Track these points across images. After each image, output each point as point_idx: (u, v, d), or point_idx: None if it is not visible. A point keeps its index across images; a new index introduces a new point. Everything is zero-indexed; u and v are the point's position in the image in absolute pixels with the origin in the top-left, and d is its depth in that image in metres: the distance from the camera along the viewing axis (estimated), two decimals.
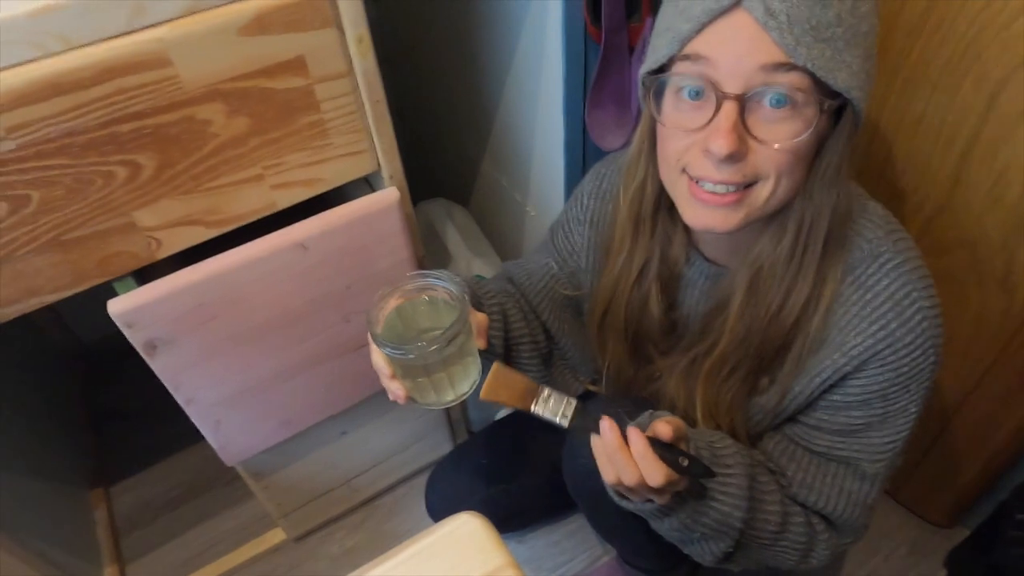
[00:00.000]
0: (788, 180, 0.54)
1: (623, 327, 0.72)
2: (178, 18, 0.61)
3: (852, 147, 0.55)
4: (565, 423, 0.57)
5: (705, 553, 0.65)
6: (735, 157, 0.51)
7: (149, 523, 1.25)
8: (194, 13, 0.61)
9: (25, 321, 0.69)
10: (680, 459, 0.55)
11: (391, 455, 1.19)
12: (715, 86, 0.50)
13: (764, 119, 0.51)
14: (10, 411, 1.11)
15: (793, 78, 0.49)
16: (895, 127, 0.84)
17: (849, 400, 0.62)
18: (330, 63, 0.69)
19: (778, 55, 0.48)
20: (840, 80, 0.49)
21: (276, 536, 1.20)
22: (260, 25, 0.64)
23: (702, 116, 0.52)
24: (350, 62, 0.70)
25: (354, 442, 1.11)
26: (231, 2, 0.62)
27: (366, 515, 1.23)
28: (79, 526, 1.17)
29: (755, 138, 0.51)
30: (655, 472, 0.54)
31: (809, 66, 0.48)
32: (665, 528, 0.63)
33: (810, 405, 0.65)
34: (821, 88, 0.50)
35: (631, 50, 0.84)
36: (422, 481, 1.05)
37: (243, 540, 1.21)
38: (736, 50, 0.49)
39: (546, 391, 0.57)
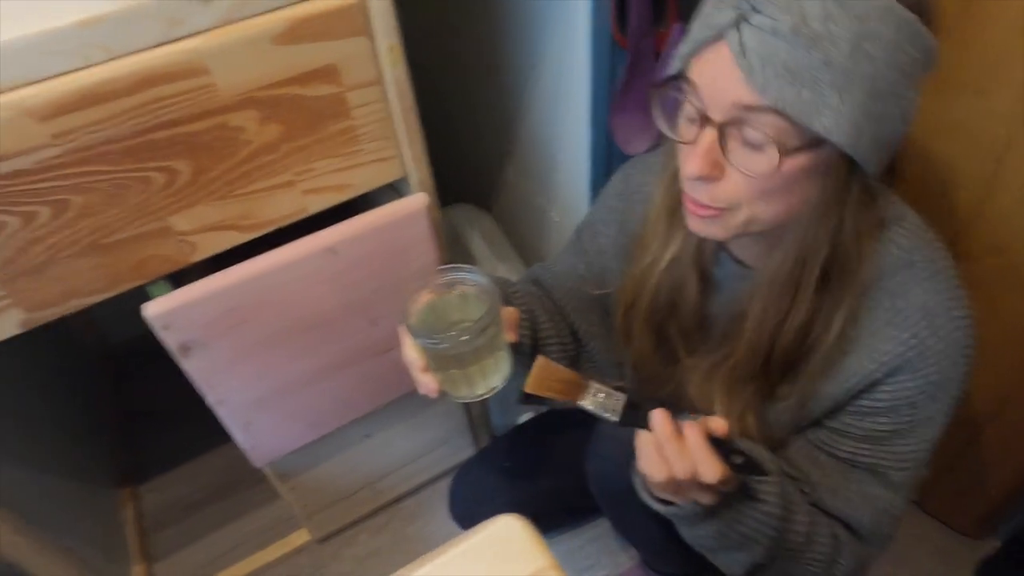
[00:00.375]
0: (767, 206, 0.54)
1: (651, 315, 0.72)
2: (214, 28, 0.62)
3: (851, 185, 0.54)
4: (615, 417, 0.56)
5: (733, 564, 0.64)
6: (705, 179, 0.53)
7: (176, 522, 1.27)
8: (229, 23, 0.63)
9: (57, 322, 0.71)
10: (733, 456, 0.54)
11: (415, 458, 1.20)
12: (700, 110, 0.52)
13: (739, 148, 0.52)
14: (42, 410, 1.14)
15: (766, 118, 0.49)
16: (929, 133, 0.83)
17: (877, 406, 0.62)
18: (361, 71, 0.70)
19: (749, 95, 0.48)
20: (821, 125, 0.48)
21: (301, 537, 1.22)
22: (294, 34, 0.65)
23: (692, 133, 0.54)
24: (380, 70, 0.71)
25: (378, 445, 1.12)
26: (266, 12, 0.64)
27: (390, 517, 1.24)
28: (108, 525, 1.20)
29: (731, 164, 0.53)
30: (711, 466, 0.53)
31: (780, 107, 0.47)
32: (698, 534, 0.62)
33: (836, 410, 0.65)
34: (802, 130, 0.49)
35: (657, 56, 0.84)
36: (445, 484, 1.06)
37: (269, 541, 1.22)
38: (715, 83, 0.50)
39: (594, 385, 0.56)
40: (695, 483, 0.54)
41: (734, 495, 0.58)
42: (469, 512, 1.01)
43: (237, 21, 0.63)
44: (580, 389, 0.56)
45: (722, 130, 0.51)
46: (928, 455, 0.64)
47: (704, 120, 0.52)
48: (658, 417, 0.55)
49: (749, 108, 0.49)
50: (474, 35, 1.15)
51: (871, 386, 0.61)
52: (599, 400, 0.56)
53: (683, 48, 0.53)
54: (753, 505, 0.59)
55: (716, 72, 0.50)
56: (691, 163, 0.53)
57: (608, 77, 0.88)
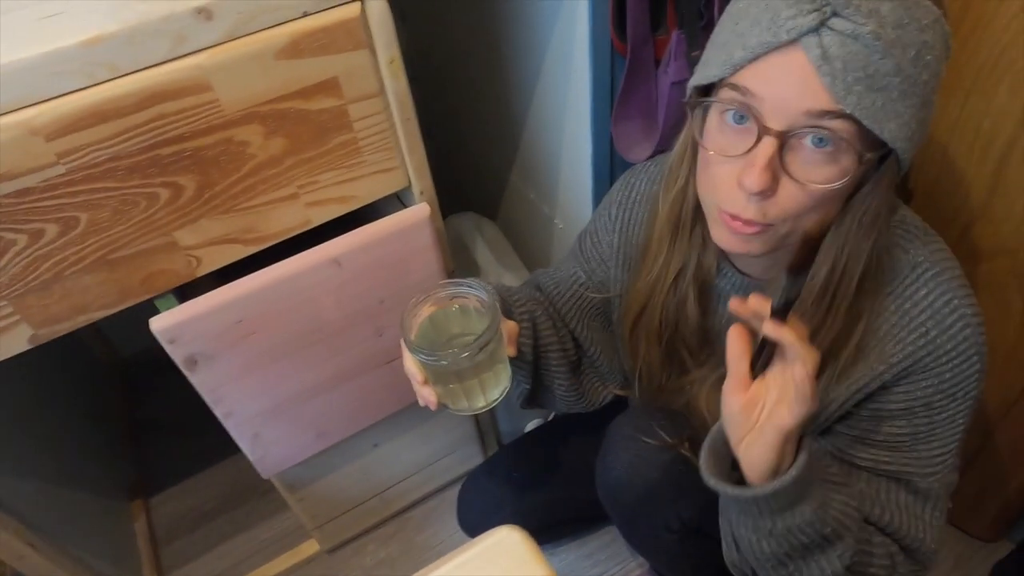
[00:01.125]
0: (813, 218, 0.54)
1: (658, 330, 0.72)
2: (217, 45, 0.63)
3: (893, 191, 0.54)
4: None
5: (826, 571, 0.59)
6: (765, 194, 0.51)
7: (187, 534, 1.28)
8: (233, 39, 0.63)
9: (67, 335, 0.72)
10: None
11: (423, 467, 1.20)
12: (758, 119, 0.50)
13: (802, 159, 0.50)
14: (53, 423, 1.15)
15: (838, 124, 0.48)
16: (930, 134, 0.83)
17: (892, 409, 0.61)
18: (363, 84, 0.71)
19: (826, 102, 0.47)
20: (888, 131, 0.48)
21: (310, 547, 1.22)
22: (296, 49, 0.65)
23: (743, 143, 0.51)
24: (382, 83, 0.72)
25: (386, 454, 1.12)
26: (268, 28, 0.64)
27: (398, 527, 1.24)
28: (120, 537, 1.20)
29: (790, 176, 0.51)
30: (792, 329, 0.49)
31: (857, 115, 0.47)
32: (794, 524, 0.54)
33: (849, 415, 0.64)
34: (866, 136, 0.49)
35: (657, 62, 0.84)
36: (453, 493, 1.06)
37: (278, 551, 1.22)
38: (784, 91, 0.48)
39: None
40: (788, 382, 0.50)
41: (820, 472, 0.55)
42: (478, 522, 1.01)
43: (240, 37, 0.64)
44: None
45: (784, 140, 0.49)
46: (954, 459, 0.62)
47: (763, 130, 0.49)
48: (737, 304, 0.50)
49: (822, 115, 0.47)
50: (475, 46, 1.16)
51: (882, 389, 0.60)
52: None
53: (734, 54, 0.50)
54: (836, 487, 0.56)
55: (786, 79, 0.48)
56: (750, 177, 0.50)
57: (608, 85, 0.88)
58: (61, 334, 0.71)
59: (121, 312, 0.74)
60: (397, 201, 0.88)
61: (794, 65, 0.47)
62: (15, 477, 0.93)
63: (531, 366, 0.74)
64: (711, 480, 0.56)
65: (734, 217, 0.54)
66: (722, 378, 0.68)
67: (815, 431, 0.66)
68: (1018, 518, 1.05)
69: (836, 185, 0.50)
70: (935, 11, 0.48)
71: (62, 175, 0.62)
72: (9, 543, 0.83)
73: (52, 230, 0.64)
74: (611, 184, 0.90)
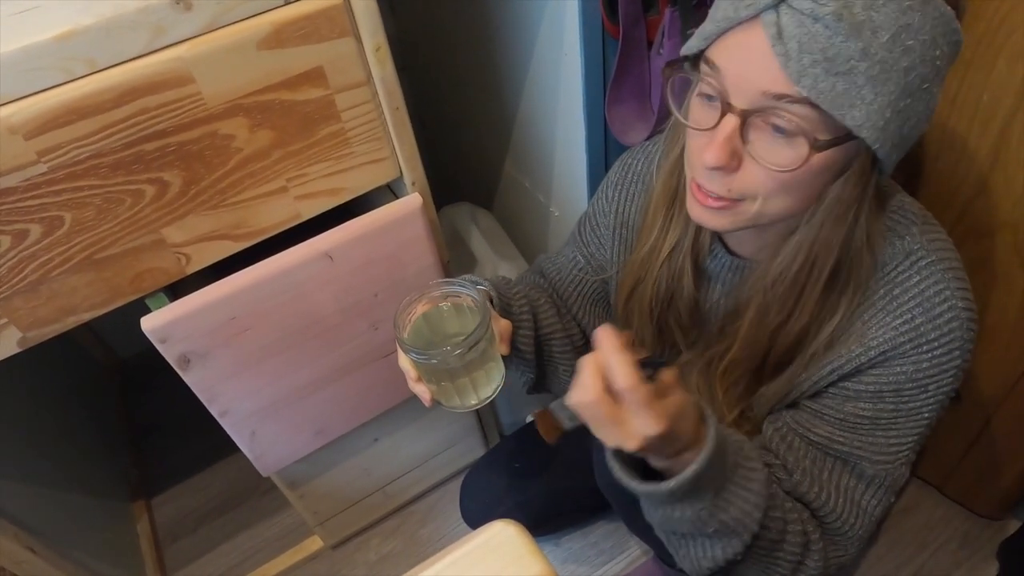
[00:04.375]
0: (781, 201, 0.52)
1: (650, 307, 0.71)
2: (197, 36, 0.62)
3: (870, 185, 0.52)
4: None
5: (704, 559, 0.58)
6: (723, 170, 0.51)
7: (190, 534, 1.28)
8: (213, 30, 0.62)
9: (64, 338, 0.71)
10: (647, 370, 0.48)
11: (424, 461, 1.19)
12: (722, 95, 0.49)
13: (763, 139, 0.49)
14: (51, 426, 1.14)
15: (797, 108, 0.47)
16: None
17: (860, 389, 0.59)
18: (349, 73, 0.69)
19: (782, 84, 0.46)
20: (851, 118, 0.46)
21: (314, 544, 1.21)
22: (278, 38, 0.64)
23: (710, 119, 0.51)
24: (368, 71, 0.70)
25: (387, 449, 1.11)
26: (249, 17, 0.63)
27: (401, 521, 1.24)
28: (123, 538, 1.20)
29: (750, 155, 0.50)
30: (621, 371, 0.46)
31: (813, 99, 0.45)
32: (673, 516, 0.54)
33: (818, 392, 0.62)
34: (831, 123, 0.47)
35: (649, 44, 0.82)
36: (456, 486, 1.06)
37: (282, 549, 1.22)
38: (743, 69, 0.48)
39: None
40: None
41: (719, 478, 0.52)
42: (480, 514, 1.00)
43: (221, 27, 0.62)
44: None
45: (745, 119, 0.49)
46: (909, 453, 0.61)
47: (726, 107, 0.49)
48: (600, 336, 0.47)
49: (779, 97, 0.46)
50: (465, 33, 1.14)
51: (856, 371, 0.59)
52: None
53: (707, 27, 0.50)
54: (738, 492, 0.54)
55: (746, 56, 0.47)
56: (709, 152, 0.50)
57: (601, 68, 0.86)
58: (51, 336, 0.70)
59: (117, 314, 0.73)
60: (389, 192, 0.86)
61: (753, 42, 0.46)
62: (14, 481, 0.92)
63: (534, 356, 0.73)
64: (608, 456, 0.53)
65: (700, 189, 0.54)
66: (709, 362, 0.67)
67: (780, 405, 0.65)
68: (1022, 495, 1.04)
69: (791, 170, 0.49)
70: None
71: (44, 174, 0.61)
72: (9, 548, 0.82)
73: (36, 230, 0.63)
74: (606, 169, 0.89)
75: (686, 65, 0.54)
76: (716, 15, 0.49)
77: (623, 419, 0.47)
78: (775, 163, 0.49)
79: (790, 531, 0.58)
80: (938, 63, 0.47)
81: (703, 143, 0.52)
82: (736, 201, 0.53)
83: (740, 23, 0.47)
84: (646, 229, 0.69)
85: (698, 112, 0.53)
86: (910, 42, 0.45)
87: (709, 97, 0.51)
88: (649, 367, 0.48)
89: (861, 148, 0.49)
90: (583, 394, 0.47)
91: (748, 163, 0.51)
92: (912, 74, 0.46)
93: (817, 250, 0.55)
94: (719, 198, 0.53)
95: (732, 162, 0.50)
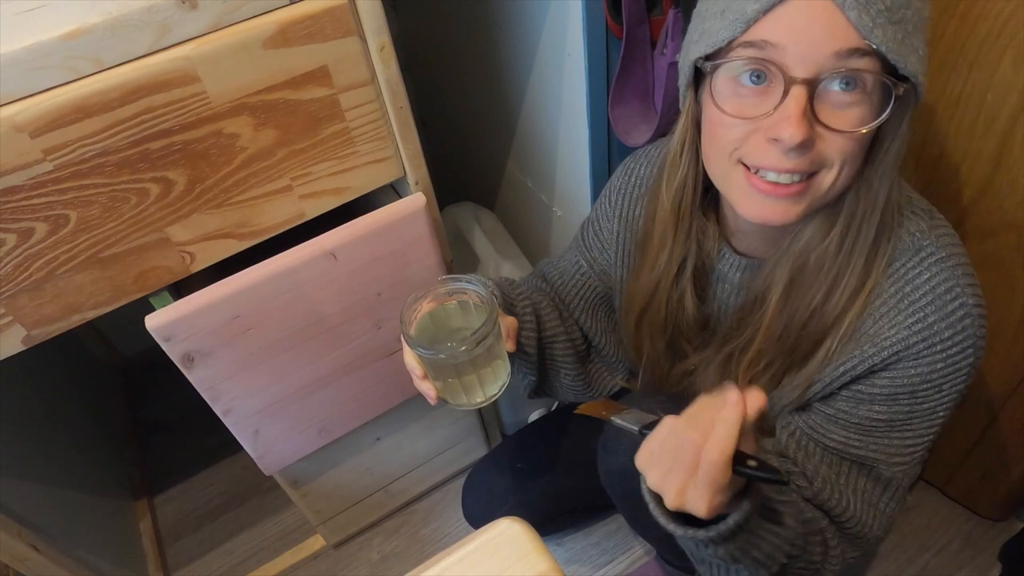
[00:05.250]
0: (851, 167, 0.52)
1: (663, 325, 0.71)
2: (203, 35, 0.62)
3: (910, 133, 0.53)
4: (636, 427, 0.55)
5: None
6: (806, 145, 0.49)
7: (192, 532, 1.28)
8: (218, 29, 0.62)
9: (68, 336, 0.71)
10: (748, 461, 0.45)
11: (426, 460, 1.19)
12: (782, 70, 0.48)
13: (833, 104, 0.49)
14: (55, 424, 1.15)
15: (864, 63, 0.47)
16: (931, 109, 0.82)
17: (874, 392, 0.59)
18: (353, 72, 0.69)
19: (854, 39, 0.46)
20: (910, 64, 0.48)
21: (316, 543, 1.22)
22: (283, 38, 0.64)
23: (766, 102, 0.50)
24: (373, 70, 0.71)
25: (389, 448, 1.11)
26: (254, 16, 0.63)
27: (403, 520, 1.24)
28: (125, 537, 1.20)
29: (823, 124, 0.49)
30: (719, 442, 0.44)
31: (883, 49, 0.46)
32: (706, 554, 0.53)
33: (831, 395, 0.62)
34: (889, 73, 0.48)
35: (653, 44, 0.83)
36: (458, 485, 1.06)
37: (284, 547, 1.22)
38: (809, 36, 0.47)
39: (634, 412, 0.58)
40: (693, 467, 0.45)
41: (752, 517, 0.50)
42: (482, 513, 1.00)
43: (226, 27, 0.62)
44: (617, 411, 0.58)
45: (813, 88, 0.48)
46: (924, 452, 0.61)
47: (789, 80, 0.48)
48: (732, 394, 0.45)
49: (850, 54, 0.46)
50: (468, 32, 1.14)
51: (869, 372, 0.59)
52: (627, 418, 0.56)
53: (745, 9, 0.48)
54: (771, 529, 0.53)
55: (811, 21, 0.46)
56: (788, 130, 0.47)
57: (604, 68, 0.86)
58: (55, 334, 0.71)
59: (121, 313, 0.73)
60: (393, 192, 0.87)
61: (816, 6, 0.46)
62: (17, 479, 0.92)
63: (536, 357, 0.73)
64: (645, 493, 0.52)
65: (767, 181, 0.52)
66: (725, 360, 0.67)
67: (792, 408, 0.65)
68: None
69: (873, 124, 0.49)
70: None
71: (49, 172, 0.61)
72: (12, 546, 0.82)
73: (42, 228, 0.63)
74: (610, 170, 0.89)
75: (704, 63, 0.53)
76: None
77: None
78: (853, 122, 0.49)
79: (811, 542, 0.59)
80: (927, 12, 0.50)
81: (768, 124, 0.50)
82: (811, 177, 0.52)
83: None
84: (653, 249, 0.68)
85: (745, 100, 0.51)
86: None
87: (756, 81, 0.50)
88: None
89: (910, 97, 0.50)
90: (716, 448, 0.44)
91: (821, 133, 0.50)
92: (928, 24, 0.49)
93: (866, 207, 0.55)
94: (794, 183, 0.52)
95: (812, 134, 0.49)
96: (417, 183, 0.81)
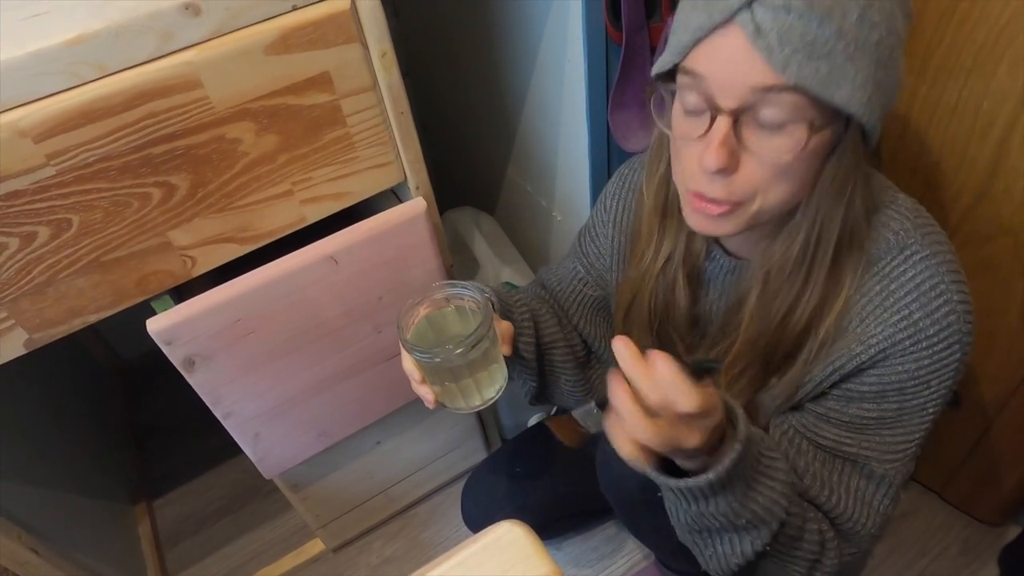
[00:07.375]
0: (781, 190, 0.53)
1: (648, 319, 0.71)
2: (206, 41, 0.62)
3: (861, 157, 0.53)
4: None
5: (733, 556, 0.59)
6: (725, 171, 0.52)
7: (191, 536, 1.28)
8: (221, 35, 0.63)
9: (68, 340, 0.71)
10: (704, 376, 0.48)
11: (426, 464, 1.20)
12: (708, 100, 0.51)
13: (757, 133, 0.51)
14: (54, 427, 1.15)
15: (786, 97, 0.48)
16: (928, 117, 0.82)
17: (863, 390, 0.60)
18: (355, 78, 0.70)
19: (769, 76, 0.47)
20: (839, 97, 0.48)
21: (315, 547, 1.22)
22: (285, 44, 0.65)
23: (700, 125, 0.52)
24: (374, 77, 0.71)
25: (389, 452, 1.11)
26: (257, 23, 0.64)
27: (403, 524, 1.24)
28: (124, 540, 1.20)
29: (748, 151, 0.51)
30: (685, 393, 0.46)
31: (802, 85, 0.47)
32: (707, 511, 0.54)
33: (820, 394, 0.63)
34: (820, 104, 0.49)
35: (652, 50, 0.83)
36: (457, 489, 1.06)
37: (283, 551, 1.22)
38: (728, 69, 0.49)
39: None
40: (674, 418, 0.47)
41: (749, 467, 0.53)
42: (482, 517, 1.00)
43: (229, 33, 0.63)
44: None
45: (737, 117, 0.50)
46: (916, 448, 0.62)
47: (715, 110, 0.50)
48: (619, 345, 0.48)
49: (768, 89, 0.48)
50: (469, 38, 1.15)
51: (857, 370, 0.59)
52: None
53: (681, 39, 0.51)
54: (765, 482, 0.55)
55: (728, 57, 0.48)
56: (708, 157, 0.51)
57: (604, 74, 0.87)
58: (57, 338, 0.71)
59: (121, 316, 0.73)
60: (393, 197, 0.87)
61: (733, 43, 0.48)
62: (18, 483, 0.93)
63: (535, 363, 0.73)
64: (650, 473, 0.54)
65: (701, 198, 0.54)
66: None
67: (784, 408, 0.66)
68: (1023, 501, 1.05)
69: (792, 156, 0.50)
70: None
71: (52, 177, 0.61)
72: (12, 549, 0.82)
73: (44, 233, 0.64)
74: (609, 175, 0.89)
75: (657, 83, 0.55)
76: (689, 25, 0.50)
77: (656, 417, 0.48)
78: (774, 152, 0.50)
79: (808, 529, 0.60)
80: (900, 33, 0.50)
81: (698, 151, 0.53)
82: (737, 204, 0.54)
83: (715, 28, 0.48)
84: (640, 245, 0.70)
85: (684, 123, 0.54)
86: (876, 18, 0.47)
87: (693, 106, 0.52)
88: (701, 370, 0.49)
89: (850, 124, 0.51)
90: (621, 403, 0.47)
91: (746, 161, 0.52)
92: (882, 46, 0.48)
93: (820, 227, 0.56)
94: (721, 203, 0.54)
95: (732, 162, 0.51)
96: (418, 188, 0.82)
